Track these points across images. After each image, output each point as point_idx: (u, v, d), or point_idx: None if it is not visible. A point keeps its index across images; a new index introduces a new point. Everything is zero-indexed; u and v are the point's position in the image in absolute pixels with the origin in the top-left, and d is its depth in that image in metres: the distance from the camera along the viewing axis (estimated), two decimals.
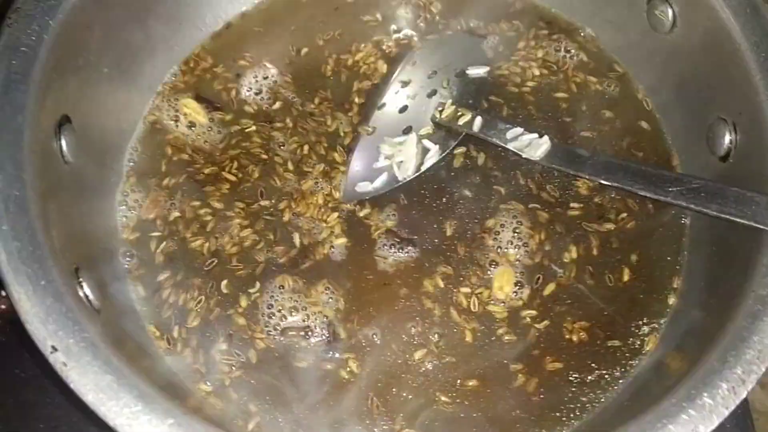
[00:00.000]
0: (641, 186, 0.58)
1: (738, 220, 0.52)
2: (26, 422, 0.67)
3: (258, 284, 0.62)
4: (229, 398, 0.58)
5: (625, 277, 0.62)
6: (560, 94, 0.71)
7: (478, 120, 0.67)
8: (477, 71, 0.71)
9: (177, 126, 0.70)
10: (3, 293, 0.48)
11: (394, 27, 0.76)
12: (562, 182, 0.66)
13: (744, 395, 0.47)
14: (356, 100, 0.71)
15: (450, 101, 0.69)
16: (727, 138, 0.60)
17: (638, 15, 0.68)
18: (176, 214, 0.65)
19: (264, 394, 0.58)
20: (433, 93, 0.70)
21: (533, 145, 0.64)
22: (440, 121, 0.68)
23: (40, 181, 0.51)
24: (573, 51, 0.73)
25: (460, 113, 0.68)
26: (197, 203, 0.66)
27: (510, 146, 0.65)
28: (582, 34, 0.74)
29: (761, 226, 0.51)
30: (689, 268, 0.63)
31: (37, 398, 0.67)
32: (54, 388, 0.67)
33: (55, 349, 0.45)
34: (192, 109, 0.70)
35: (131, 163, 0.68)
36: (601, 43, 0.74)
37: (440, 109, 0.69)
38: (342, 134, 0.69)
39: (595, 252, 0.63)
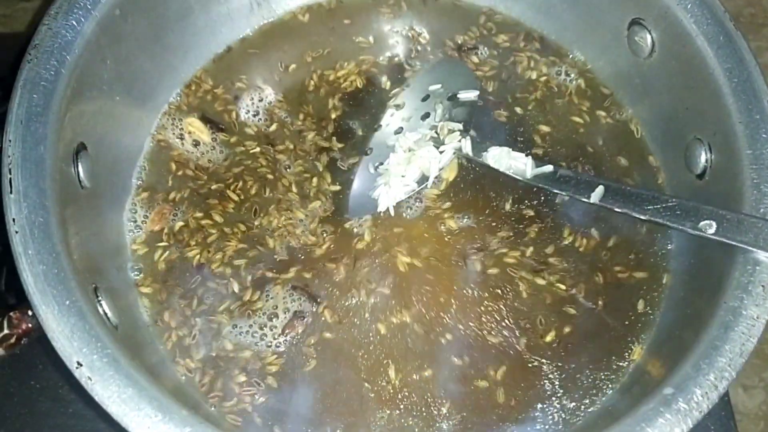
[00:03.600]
0: (621, 204, 0.62)
1: (711, 236, 0.56)
2: (41, 431, 0.70)
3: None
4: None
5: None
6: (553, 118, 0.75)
7: (468, 141, 0.70)
8: (467, 95, 0.74)
9: (182, 144, 0.73)
10: (30, 312, 0.51)
11: (383, 49, 0.79)
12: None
13: (716, 399, 0.51)
14: (332, 116, 0.75)
15: (441, 123, 0.72)
16: (703, 157, 0.64)
17: (619, 40, 0.71)
18: (180, 224, 0.69)
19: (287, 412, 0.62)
20: (427, 115, 0.73)
21: (520, 165, 0.68)
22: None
23: (60, 207, 0.55)
24: (573, 75, 0.77)
25: (450, 135, 0.71)
26: (200, 215, 0.69)
27: (497, 166, 0.69)
28: (570, 56, 0.78)
29: (732, 242, 0.55)
30: (673, 283, 0.66)
31: (51, 408, 0.71)
32: (67, 399, 0.70)
33: (80, 364, 0.49)
34: (196, 128, 0.74)
35: (139, 181, 0.71)
36: (589, 65, 0.77)
37: (434, 131, 0.72)
38: (321, 150, 0.73)
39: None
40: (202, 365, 0.63)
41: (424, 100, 0.75)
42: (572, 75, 0.77)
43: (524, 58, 0.77)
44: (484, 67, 0.77)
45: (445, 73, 0.76)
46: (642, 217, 0.61)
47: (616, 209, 0.62)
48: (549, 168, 0.68)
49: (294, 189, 0.71)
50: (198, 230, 0.68)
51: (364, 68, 0.78)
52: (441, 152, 0.70)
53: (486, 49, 0.78)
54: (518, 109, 0.75)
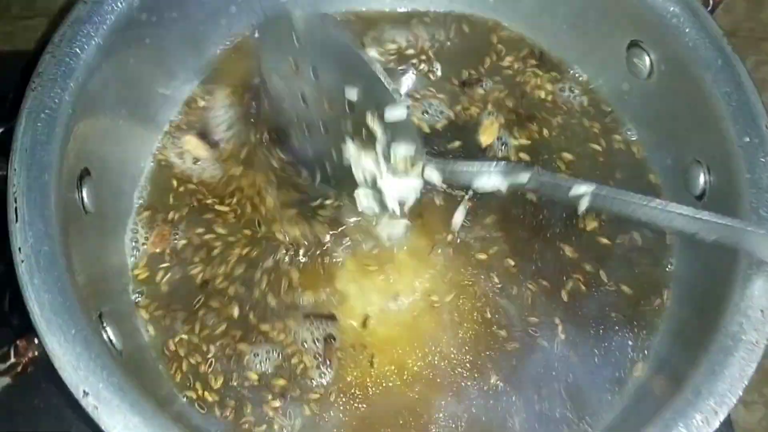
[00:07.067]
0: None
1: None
2: None
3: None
4: None
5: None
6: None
7: (434, 170, 0.64)
8: (394, 113, 0.61)
9: (183, 162, 0.73)
10: (36, 340, 0.52)
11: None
12: None
13: (717, 425, 0.51)
14: None
15: (396, 155, 0.64)
16: (702, 179, 0.64)
17: (619, 61, 0.72)
18: (183, 242, 0.69)
19: None
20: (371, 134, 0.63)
21: (493, 178, 0.62)
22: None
23: (65, 235, 0.55)
24: (576, 92, 0.77)
25: (415, 167, 0.64)
26: (202, 230, 0.69)
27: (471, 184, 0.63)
28: (571, 72, 0.78)
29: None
30: (672, 306, 0.67)
31: (55, 427, 0.71)
32: (70, 418, 0.70)
33: (86, 393, 0.49)
34: (193, 146, 0.74)
35: (141, 200, 0.72)
36: (590, 83, 0.78)
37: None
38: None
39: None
40: (219, 397, 0.63)
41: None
42: (576, 92, 0.77)
43: (530, 77, 0.77)
44: (492, 94, 0.76)
45: (365, 84, 0.61)
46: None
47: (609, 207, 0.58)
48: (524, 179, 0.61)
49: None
50: (202, 246, 0.68)
51: None
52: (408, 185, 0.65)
53: (490, 81, 0.77)
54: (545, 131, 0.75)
